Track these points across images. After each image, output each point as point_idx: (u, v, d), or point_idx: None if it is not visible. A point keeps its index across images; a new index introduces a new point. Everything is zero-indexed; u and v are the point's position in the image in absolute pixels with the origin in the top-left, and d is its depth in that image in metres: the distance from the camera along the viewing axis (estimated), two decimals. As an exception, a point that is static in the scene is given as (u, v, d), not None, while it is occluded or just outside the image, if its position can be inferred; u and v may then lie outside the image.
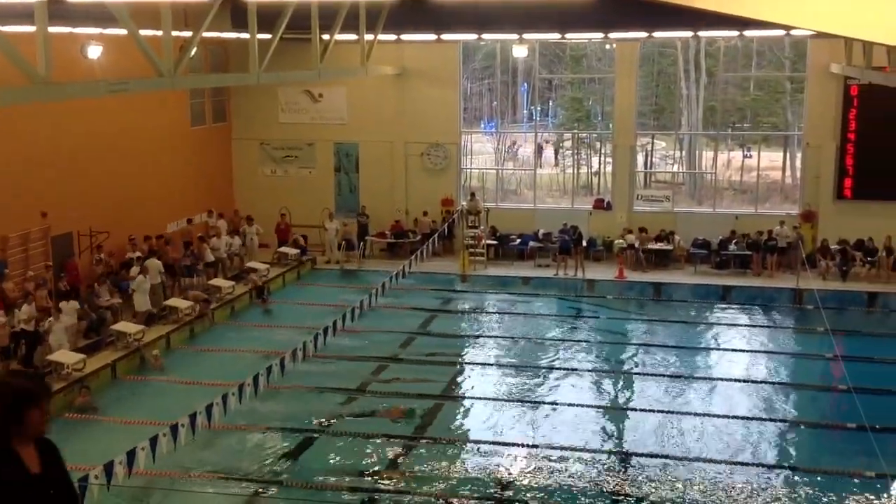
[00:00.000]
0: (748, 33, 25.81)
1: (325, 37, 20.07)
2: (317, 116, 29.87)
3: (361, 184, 29.88)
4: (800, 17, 6.92)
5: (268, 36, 17.51)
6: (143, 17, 15.45)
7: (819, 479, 13.77)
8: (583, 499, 13.23)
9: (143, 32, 14.43)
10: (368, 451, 15.03)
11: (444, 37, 26.75)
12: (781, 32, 25.32)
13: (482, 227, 27.82)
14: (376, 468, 14.35)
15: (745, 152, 32.11)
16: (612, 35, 27.04)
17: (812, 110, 27.19)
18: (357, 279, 26.04)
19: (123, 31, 15.18)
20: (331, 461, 14.69)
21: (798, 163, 29.09)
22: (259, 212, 28.23)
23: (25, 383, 3.85)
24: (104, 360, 18.47)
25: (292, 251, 27.33)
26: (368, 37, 22.53)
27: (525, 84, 36.12)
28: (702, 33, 26.64)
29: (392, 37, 26.28)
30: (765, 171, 30.78)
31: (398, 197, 29.43)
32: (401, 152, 29.34)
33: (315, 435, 15.73)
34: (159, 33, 14.75)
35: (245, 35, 17.68)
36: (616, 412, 16.73)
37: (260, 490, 13.68)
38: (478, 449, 15.09)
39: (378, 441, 15.32)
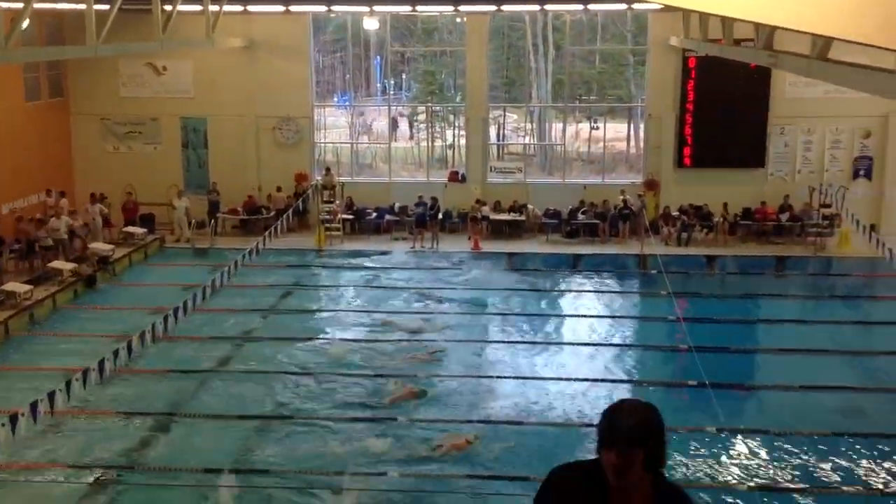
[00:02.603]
0: (592, 7, 26.56)
1: (168, 7, 19.37)
2: (161, 90, 28.84)
3: (211, 159, 29.13)
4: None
5: (106, 7, 16.75)
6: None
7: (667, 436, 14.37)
8: (435, 465, 13.39)
9: (-35, 1, 13.56)
10: (223, 433, 14.76)
11: (293, 8, 26.37)
12: (623, 6, 26.20)
13: (337, 202, 27.62)
14: (230, 450, 14.10)
15: (592, 124, 33.06)
16: (462, 8, 27.31)
17: (653, 82, 28.23)
18: (209, 257, 25.40)
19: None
20: (184, 446, 14.34)
21: (641, 133, 30.19)
22: (103, 190, 27.12)
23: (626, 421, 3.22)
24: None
25: (139, 230, 26.43)
26: (213, 7, 21.90)
27: (378, 57, 35.96)
28: (548, 7, 27.23)
29: (239, 8, 25.68)
30: (611, 141, 31.83)
31: (250, 173, 28.83)
32: (251, 127, 28.72)
33: (168, 419, 15.30)
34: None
35: (81, 6, 16.83)
36: (471, 381, 16.94)
37: (108, 477, 13.21)
38: (336, 425, 15.01)
39: (232, 423, 15.06)
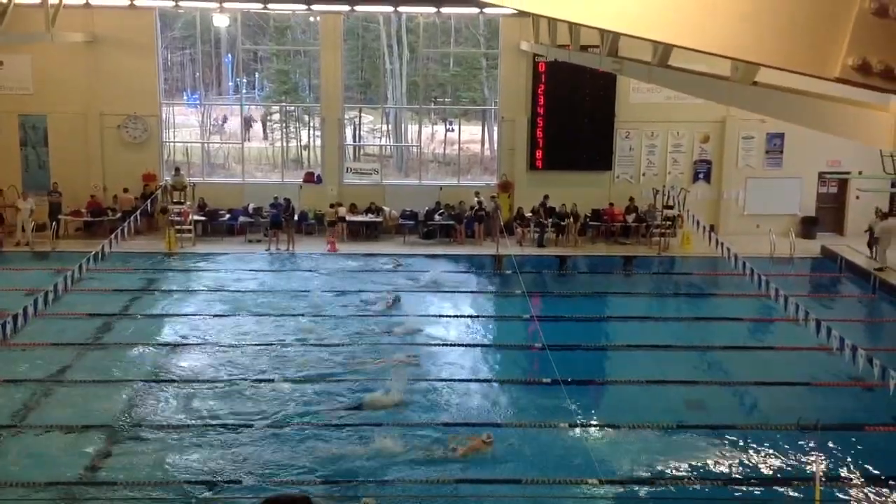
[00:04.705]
0: (445, 10, 26.87)
1: (2, -2, 18.36)
2: (-3, 86, 27.36)
3: (52, 159, 27.82)
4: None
5: (-70, -6, 15.70)
6: None
7: (522, 432, 14.63)
8: (298, 466, 13.22)
9: None
10: (68, 444, 14.09)
11: (138, 2, 25.56)
12: (475, 10, 26.60)
13: (188, 203, 26.87)
14: (78, 461, 13.48)
15: (447, 126, 33.39)
16: (315, 7, 27.10)
17: (505, 86, 28.78)
18: (50, 261, 24.25)
19: None
20: (25, 458, 13.61)
21: (495, 136, 30.71)
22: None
23: None
24: None
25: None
26: (53, 0, 20.92)
27: (229, 55, 35.14)
28: (402, 9, 27.37)
29: (80, 1, 24.70)
30: (466, 143, 32.23)
31: (94, 173, 27.70)
32: (95, 125, 27.60)
33: (8, 431, 14.48)
34: None
35: None
36: (325, 383, 16.73)
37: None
38: (188, 432, 14.56)
39: (78, 433, 14.40)
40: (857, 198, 28.26)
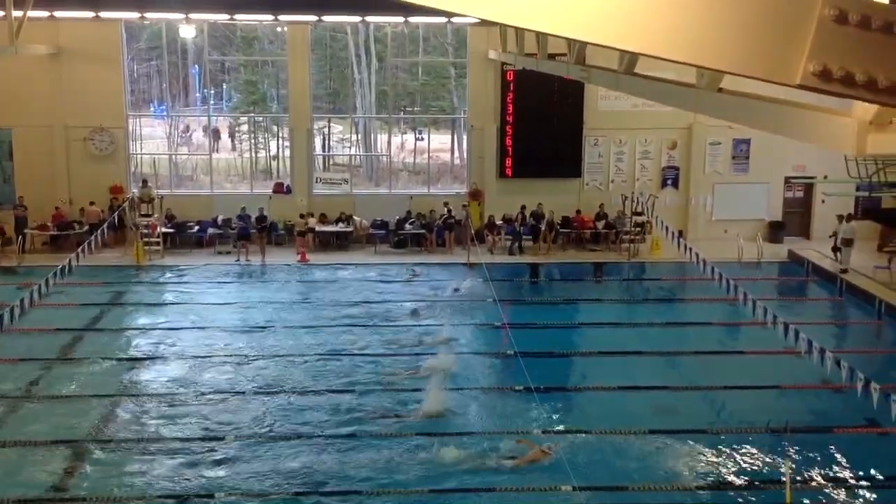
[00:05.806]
0: (412, 20, 26.91)
1: (-37, 10, 18.15)
2: (-40, 100, 26.99)
3: (17, 173, 27.49)
4: (454, 2, 7.19)
5: None
6: None
7: (491, 440, 14.60)
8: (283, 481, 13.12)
9: None
10: (37, 460, 13.89)
11: (103, 14, 25.37)
12: (443, 19, 26.66)
13: (156, 215, 26.66)
14: (47, 477, 13.29)
15: (417, 135, 33.40)
16: (282, 17, 27.03)
17: (474, 94, 28.83)
18: (17, 276, 23.93)
19: None
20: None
21: (465, 144, 30.76)
22: None
23: None
24: None
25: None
26: (17, 13, 20.72)
27: (196, 66, 34.95)
28: (369, 18, 27.36)
29: (45, 13, 24.50)
30: (435, 152, 32.25)
31: (60, 186, 27.40)
32: (61, 138, 27.32)
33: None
34: None
35: None
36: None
37: None
38: (160, 447, 14.41)
39: (49, 449, 14.20)
40: (823, 202, 28.57)
